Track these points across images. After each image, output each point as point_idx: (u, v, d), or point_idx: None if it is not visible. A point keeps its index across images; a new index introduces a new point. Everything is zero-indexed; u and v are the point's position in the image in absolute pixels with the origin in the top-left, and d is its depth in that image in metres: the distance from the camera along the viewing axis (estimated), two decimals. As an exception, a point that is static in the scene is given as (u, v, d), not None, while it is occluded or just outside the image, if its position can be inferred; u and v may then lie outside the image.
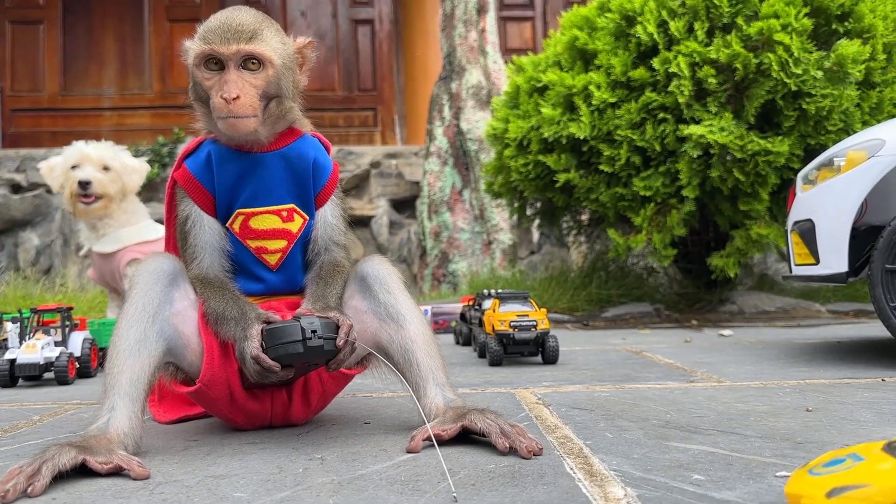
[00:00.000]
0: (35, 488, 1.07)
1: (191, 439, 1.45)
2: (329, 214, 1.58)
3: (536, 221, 5.25)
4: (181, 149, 6.48)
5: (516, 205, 4.83)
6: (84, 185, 3.43)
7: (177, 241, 1.54)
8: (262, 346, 1.29)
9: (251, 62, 1.40)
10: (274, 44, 1.43)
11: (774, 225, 3.80)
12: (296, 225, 1.53)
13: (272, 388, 1.49)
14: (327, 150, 1.62)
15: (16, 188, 7.75)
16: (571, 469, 1.15)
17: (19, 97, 9.59)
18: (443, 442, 1.31)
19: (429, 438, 1.31)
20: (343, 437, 1.42)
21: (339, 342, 1.32)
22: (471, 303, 3.15)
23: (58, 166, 3.55)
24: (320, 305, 1.42)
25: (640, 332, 3.62)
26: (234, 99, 1.37)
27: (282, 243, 1.53)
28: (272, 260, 1.53)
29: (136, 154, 7.11)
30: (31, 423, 1.69)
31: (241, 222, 1.50)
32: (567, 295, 4.55)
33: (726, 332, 3.40)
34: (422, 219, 6.75)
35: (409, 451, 1.29)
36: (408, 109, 9.83)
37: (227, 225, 1.51)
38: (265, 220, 1.51)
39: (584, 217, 5.13)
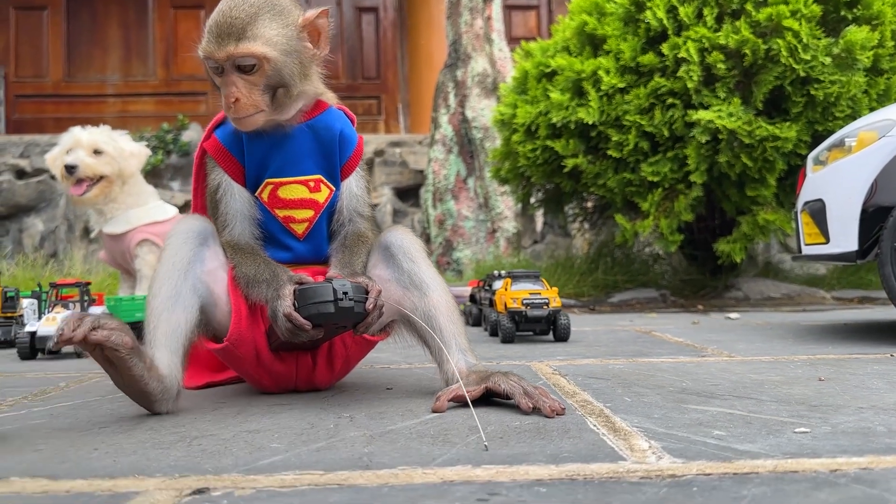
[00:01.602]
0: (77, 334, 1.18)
1: (219, 402, 1.48)
2: (354, 185, 1.61)
3: (541, 209, 5.28)
4: (184, 135, 6.38)
5: (524, 189, 4.85)
6: (70, 168, 3.45)
7: (207, 211, 1.57)
8: (294, 305, 1.32)
9: (246, 61, 1.38)
10: (269, 34, 1.39)
11: (781, 211, 3.83)
12: (322, 195, 1.56)
13: (297, 352, 1.52)
14: (352, 122, 1.65)
15: (20, 174, 7.77)
16: (595, 426, 1.19)
17: (23, 83, 9.59)
18: (466, 403, 1.35)
19: (454, 399, 1.34)
20: (368, 400, 1.46)
21: (369, 305, 1.35)
22: (480, 285, 3.19)
23: (57, 154, 3.57)
24: (348, 272, 1.45)
25: (647, 316, 3.65)
26: (234, 102, 1.39)
27: (309, 213, 1.55)
28: (299, 229, 1.56)
29: (140, 141, 7.11)
30: (59, 389, 1.72)
31: (269, 192, 1.53)
32: (573, 281, 4.58)
33: (733, 315, 3.44)
34: (426, 207, 6.77)
35: (434, 411, 1.32)
36: (412, 98, 9.84)
37: (256, 194, 1.54)
38: (293, 189, 1.54)
39: (590, 204, 5.16)
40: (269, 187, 1.53)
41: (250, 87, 1.40)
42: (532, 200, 5.09)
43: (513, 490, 0.86)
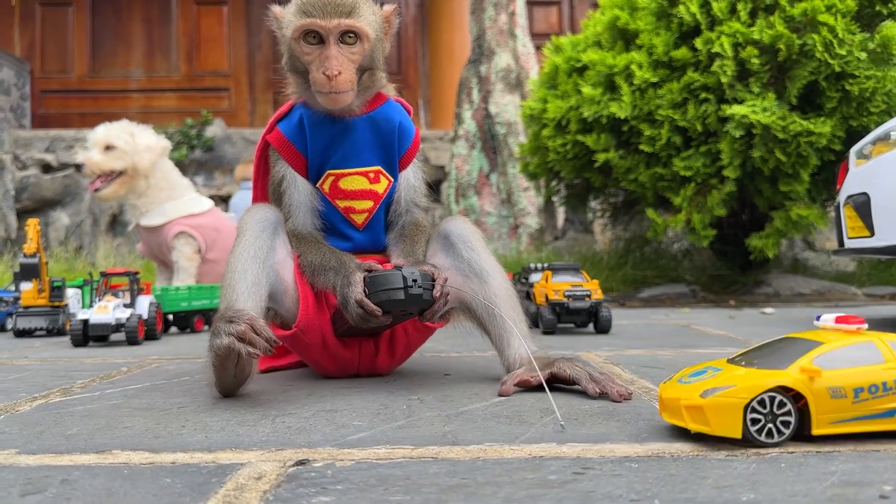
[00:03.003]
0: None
1: (286, 384, 1.52)
2: (412, 176, 1.64)
3: (566, 205, 5.30)
4: (207, 130, 6.39)
5: (553, 184, 4.87)
6: (78, 166, 3.49)
7: (270, 201, 1.60)
8: (364, 292, 1.35)
9: (349, 36, 1.43)
10: (369, 16, 1.46)
11: (814, 206, 3.82)
12: (381, 186, 1.59)
13: (360, 338, 1.55)
14: (409, 113, 1.68)
15: (46, 168, 7.86)
16: (665, 410, 1.21)
17: (48, 78, 9.70)
18: (531, 388, 1.38)
19: (520, 384, 1.37)
20: (430, 384, 1.49)
21: (436, 293, 1.37)
22: (512, 278, 3.22)
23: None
24: (412, 260, 1.48)
25: (679, 311, 3.66)
26: (336, 75, 1.42)
27: (368, 203, 1.58)
28: (359, 219, 1.59)
29: (163, 136, 7.18)
30: (122, 373, 1.77)
31: (331, 183, 1.56)
32: (601, 276, 4.59)
33: (768, 310, 3.44)
34: (449, 202, 6.79)
35: (500, 395, 1.35)
36: (432, 94, 9.86)
37: (317, 185, 1.56)
38: (354, 181, 1.56)
39: (616, 199, 5.16)
40: (331, 178, 1.56)
41: (349, 64, 1.44)
42: (558, 196, 5.11)
43: (605, 465, 0.89)
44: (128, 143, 3.51)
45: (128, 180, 3.52)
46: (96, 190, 3.50)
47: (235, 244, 1.41)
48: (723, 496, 0.76)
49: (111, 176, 3.50)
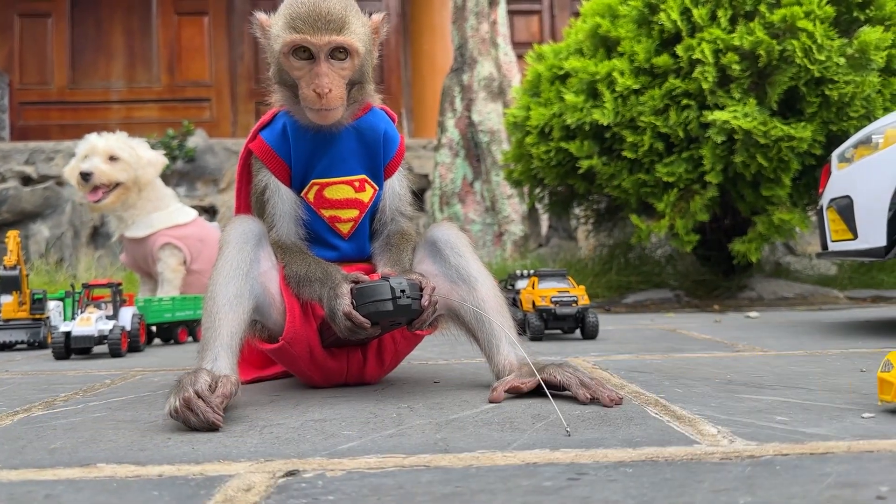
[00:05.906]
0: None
1: (273, 395, 1.50)
2: (397, 185, 1.63)
3: (550, 212, 5.31)
4: (189, 140, 6.41)
5: (537, 191, 4.88)
6: (85, 175, 3.44)
7: (253, 211, 1.59)
8: (352, 304, 1.33)
9: (339, 52, 1.42)
10: (359, 30, 1.44)
11: (796, 210, 3.86)
12: (367, 195, 1.58)
13: (348, 348, 1.53)
14: (394, 121, 1.67)
15: (26, 180, 7.77)
16: (656, 414, 1.21)
17: (28, 90, 9.60)
18: (521, 395, 1.37)
19: (510, 390, 1.36)
20: (420, 392, 1.47)
21: (425, 302, 1.36)
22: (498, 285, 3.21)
23: (74, 164, 3.55)
24: (398, 269, 1.47)
25: (665, 315, 3.67)
26: (327, 93, 1.40)
27: (354, 213, 1.57)
28: (345, 229, 1.57)
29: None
30: (106, 385, 1.74)
31: (315, 192, 1.54)
32: (586, 282, 4.60)
33: (753, 314, 3.46)
34: (433, 211, 6.78)
35: (491, 402, 1.34)
36: (415, 103, 9.87)
37: (301, 194, 1.55)
38: (339, 190, 1.55)
39: (600, 206, 5.17)
40: (316, 188, 1.54)
41: (339, 80, 1.42)
42: (543, 202, 5.11)
43: (599, 471, 0.88)
44: (132, 156, 3.49)
45: (124, 192, 3.50)
46: (97, 200, 3.46)
47: (217, 257, 1.39)
48: (720, 500, 0.76)
49: (109, 187, 3.48)
